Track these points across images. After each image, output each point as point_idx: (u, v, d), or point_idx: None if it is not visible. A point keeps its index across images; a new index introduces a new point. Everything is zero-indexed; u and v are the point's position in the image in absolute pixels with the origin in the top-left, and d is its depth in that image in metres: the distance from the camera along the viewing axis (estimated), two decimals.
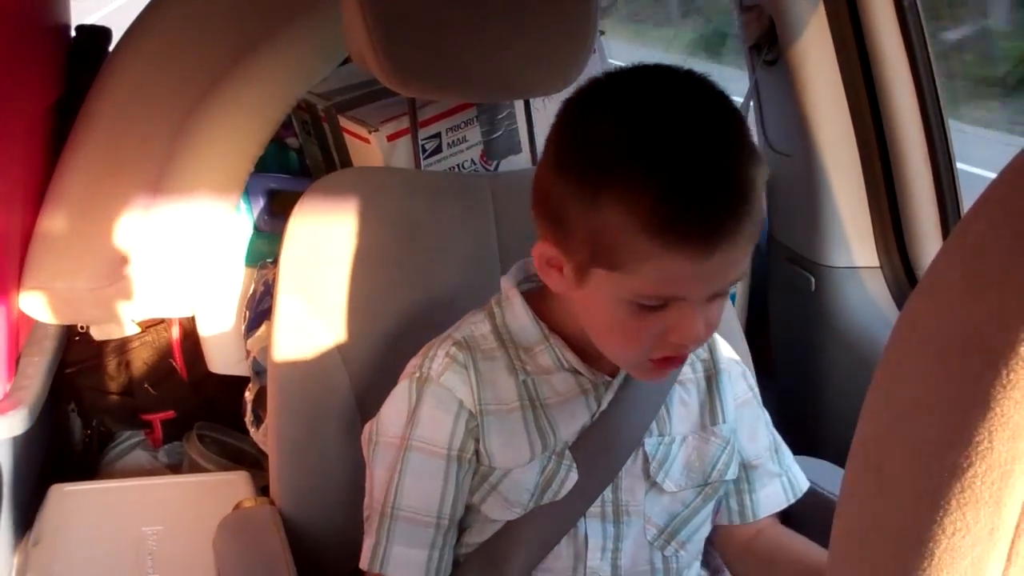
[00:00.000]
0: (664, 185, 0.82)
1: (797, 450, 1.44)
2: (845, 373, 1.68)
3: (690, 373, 1.07)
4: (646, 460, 1.01)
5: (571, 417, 0.99)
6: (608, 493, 1.00)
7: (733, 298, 1.83)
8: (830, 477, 1.29)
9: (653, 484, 1.02)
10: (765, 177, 0.88)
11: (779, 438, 1.15)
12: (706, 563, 1.13)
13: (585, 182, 0.86)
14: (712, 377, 1.07)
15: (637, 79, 0.90)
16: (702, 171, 0.83)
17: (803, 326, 1.75)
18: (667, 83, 0.88)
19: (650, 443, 1.01)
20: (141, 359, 1.91)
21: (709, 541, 1.13)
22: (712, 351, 1.08)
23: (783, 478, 1.12)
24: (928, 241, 1.61)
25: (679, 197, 0.83)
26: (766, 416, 1.13)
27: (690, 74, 0.89)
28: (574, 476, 0.98)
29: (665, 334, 0.89)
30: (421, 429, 0.98)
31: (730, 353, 1.11)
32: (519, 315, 1.00)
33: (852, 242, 1.67)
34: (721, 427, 1.05)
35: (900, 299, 1.64)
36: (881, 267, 1.67)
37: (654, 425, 1.02)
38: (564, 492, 0.98)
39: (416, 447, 0.98)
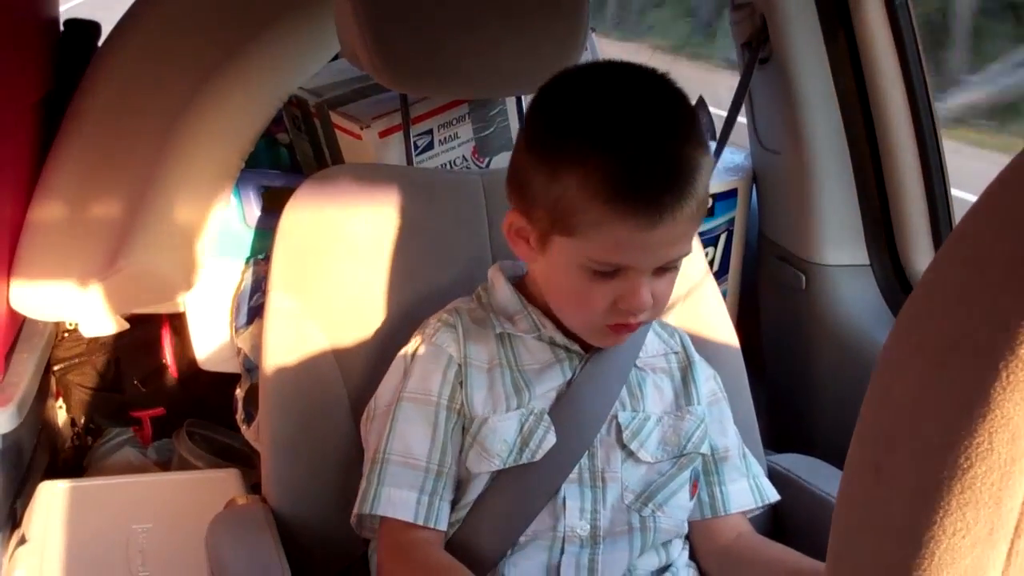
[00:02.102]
0: (615, 160, 0.95)
1: (787, 447, 1.45)
2: (835, 370, 1.69)
3: (664, 363, 1.15)
4: (619, 430, 1.08)
5: (547, 381, 1.07)
6: (585, 460, 1.06)
7: (724, 294, 1.83)
8: (821, 474, 1.29)
9: (630, 454, 1.08)
10: (711, 167, 1.01)
11: (747, 450, 1.19)
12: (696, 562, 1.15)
13: (548, 157, 0.98)
14: (686, 368, 1.16)
15: (602, 71, 1.05)
16: (650, 151, 0.96)
17: (793, 323, 1.76)
18: (627, 76, 1.02)
19: (623, 415, 1.09)
20: (130, 356, 1.91)
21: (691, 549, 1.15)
22: (685, 347, 1.18)
23: (751, 481, 1.16)
24: (918, 239, 1.62)
25: (628, 171, 0.95)
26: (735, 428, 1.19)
27: (651, 71, 1.01)
28: (552, 438, 1.04)
29: (616, 302, 0.99)
30: (413, 381, 1.06)
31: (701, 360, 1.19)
32: (501, 289, 1.11)
33: (842, 240, 1.67)
34: (695, 407, 1.13)
35: (890, 297, 1.65)
36: (871, 265, 1.67)
37: (627, 400, 1.10)
38: (542, 453, 1.04)
39: (408, 397, 1.06)
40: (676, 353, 1.17)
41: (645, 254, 0.98)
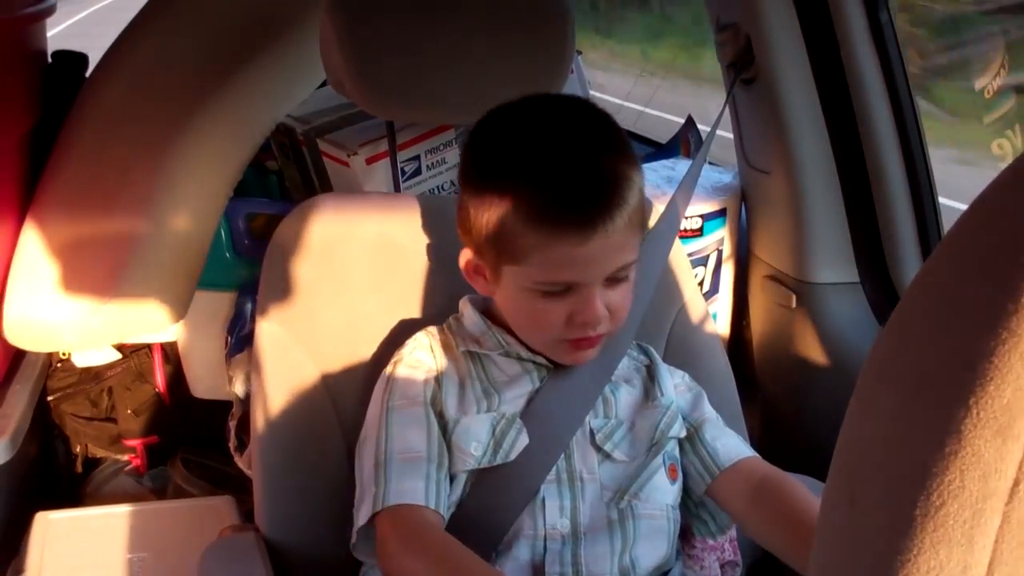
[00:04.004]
0: (537, 182, 0.99)
1: (780, 466, 1.44)
2: (827, 389, 1.69)
3: (634, 372, 1.19)
4: (592, 433, 1.11)
5: (515, 388, 1.11)
6: (562, 462, 1.09)
7: (715, 315, 1.84)
8: (814, 492, 1.29)
9: (606, 456, 1.11)
10: (641, 177, 1.04)
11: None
12: (688, 555, 1.17)
13: (481, 190, 1.03)
14: (652, 369, 1.20)
15: (522, 104, 1.07)
16: (572, 168, 1.00)
17: (785, 342, 1.76)
18: (547, 104, 1.08)
19: (596, 421, 1.12)
20: (123, 385, 1.91)
21: (689, 542, 1.16)
22: (651, 357, 1.21)
23: (737, 439, 1.17)
24: (908, 256, 1.62)
25: (553, 192, 0.99)
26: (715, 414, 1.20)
27: (572, 98, 1.08)
28: (524, 439, 1.07)
29: (571, 317, 1.03)
30: (397, 391, 1.10)
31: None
32: (469, 315, 1.15)
33: (832, 258, 1.67)
34: (660, 399, 1.16)
35: (880, 315, 1.65)
36: (862, 283, 1.67)
37: (600, 408, 1.13)
38: (515, 453, 1.07)
39: (396, 407, 1.09)
40: (644, 364, 1.21)
41: (588, 268, 1.01)
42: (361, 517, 1.05)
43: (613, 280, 1.04)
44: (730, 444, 1.16)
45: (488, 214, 1.02)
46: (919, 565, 0.37)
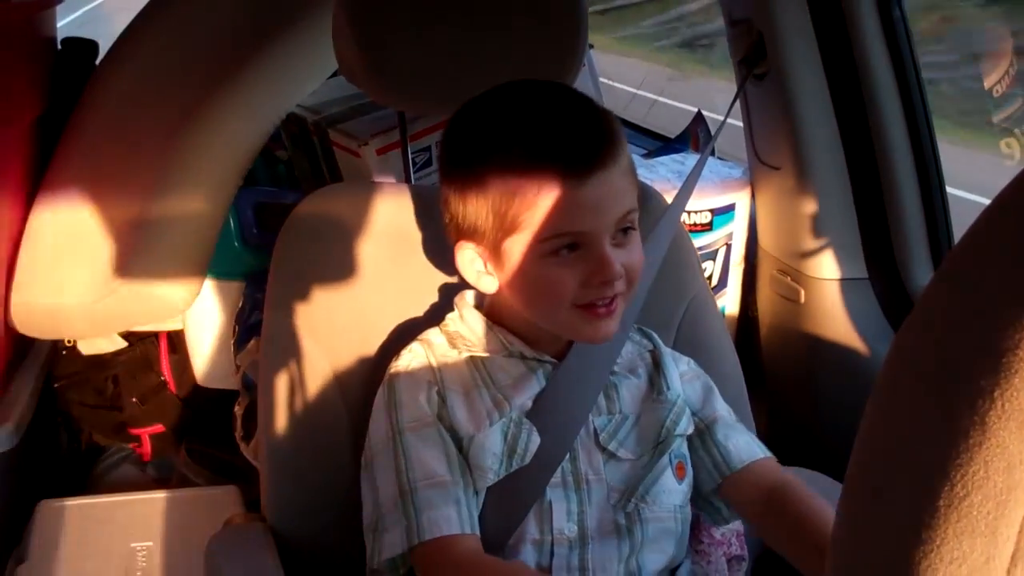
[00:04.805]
0: (524, 136, 0.99)
1: (788, 460, 1.44)
2: (835, 384, 1.68)
3: (638, 360, 1.16)
4: (596, 433, 1.09)
5: (524, 391, 1.08)
6: (567, 464, 1.07)
7: (723, 309, 1.83)
8: (822, 487, 1.28)
9: (611, 456, 1.09)
10: (622, 131, 1.02)
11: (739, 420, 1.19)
12: (695, 551, 1.16)
13: (470, 172, 1.01)
14: (657, 358, 1.16)
15: (496, 91, 1.06)
16: (560, 114, 1.00)
17: (793, 337, 1.76)
18: (525, 84, 1.06)
19: (599, 420, 1.10)
20: (129, 373, 1.91)
21: (697, 537, 1.15)
22: (655, 344, 1.18)
23: (750, 437, 1.15)
24: (916, 253, 1.62)
25: (540, 137, 0.98)
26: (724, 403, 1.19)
27: (550, 82, 1.07)
28: (536, 438, 1.05)
29: (587, 279, 0.99)
30: (405, 412, 1.06)
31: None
32: (467, 314, 1.12)
33: (841, 254, 1.67)
34: (666, 394, 1.13)
35: (889, 311, 1.65)
36: (870, 279, 1.67)
37: (604, 404, 1.11)
38: (530, 455, 1.05)
39: (407, 428, 1.05)
40: (649, 351, 1.17)
41: (592, 215, 0.98)
42: (387, 548, 1.02)
43: (620, 235, 1.00)
44: (742, 444, 1.13)
45: (480, 191, 1.00)
46: (942, 555, 0.37)
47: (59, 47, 1.86)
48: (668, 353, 1.18)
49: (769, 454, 1.15)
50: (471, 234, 1.03)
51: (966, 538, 0.37)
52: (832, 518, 1.03)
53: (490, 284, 1.06)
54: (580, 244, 0.99)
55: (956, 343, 0.39)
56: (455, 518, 1.01)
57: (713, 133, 1.65)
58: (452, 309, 1.18)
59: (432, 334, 1.14)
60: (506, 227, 1.00)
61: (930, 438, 0.39)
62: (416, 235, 1.27)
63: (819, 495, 1.08)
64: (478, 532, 1.02)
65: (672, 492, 1.10)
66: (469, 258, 1.05)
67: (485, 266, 1.05)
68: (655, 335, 1.20)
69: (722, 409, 1.16)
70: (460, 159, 1.04)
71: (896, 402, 0.42)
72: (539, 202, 0.97)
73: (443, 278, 1.27)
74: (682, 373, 1.17)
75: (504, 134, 1.00)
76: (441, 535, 1.00)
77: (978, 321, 0.38)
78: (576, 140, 0.98)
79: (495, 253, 1.03)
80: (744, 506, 1.12)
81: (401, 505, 1.02)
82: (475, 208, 1.01)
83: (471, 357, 1.10)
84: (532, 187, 0.97)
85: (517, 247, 1.00)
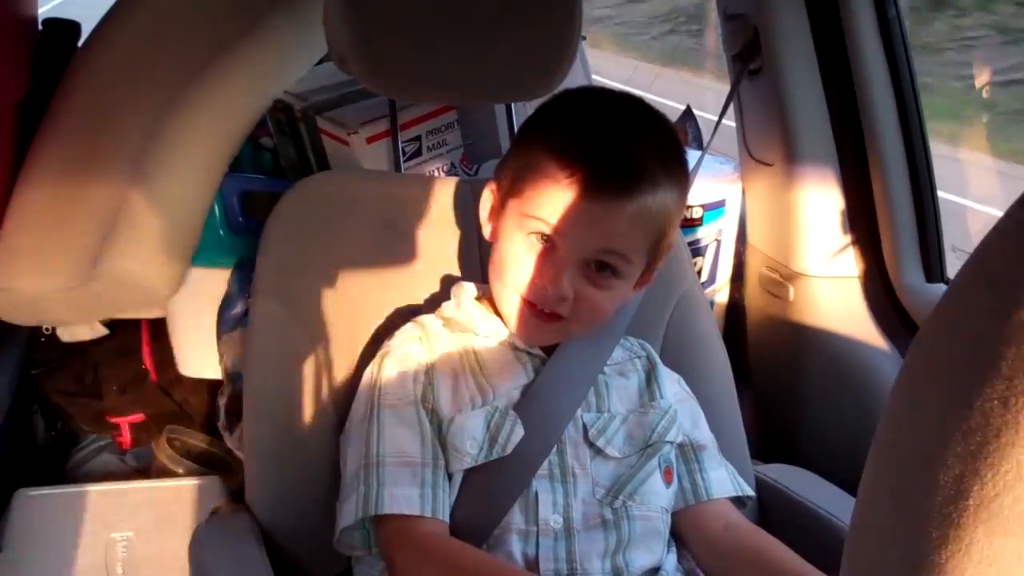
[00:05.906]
0: (587, 132, 1.03)
1: (774, 457, 1.44)
2: (821, 381, 1.68)
3: (631, 366, 1.20)
4: (585, 428, 1.11)
5: (509, 380, 1.10)
6: (554, 457, 1.09)
7: (712, 304, 1.83)
8: (808, 484, 1.29)
9: (598, 452, 1.11)
10: (674, 200, 1.05)
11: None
12: (680, 564, 1.15)
13: (534, 138, 1.06)
14: (651, 369, 1.20)
15: (587, 91, 1.13)
16: (626, 136, 1.03)
17: (780, 334, 1.76)
18: (609, 94, 1.10)
19: (588, 416, 1.12)
20: (109, 361, 1.88)
21: (683, 544, 1.15)
22: (649, 355, 1.22)
23: (728, 472, 1.19)
24: (905, 252, 1.62)
25: (593, 140, 1.02)
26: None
27: (628, 95, 1.09)
28: (520, 431, 1.07)
29: (534, 277, 1.04)
30: (387, 389, 1.09)
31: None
32: (463, 302, 1.15)
33: (829, 251, 1.67)
34: (659, 401, 1.16)
35: (876, 309, 1.65)
36: (859, 277, 1.67)
37: (593, 401, 1.14)
38: (511, 446, 1.06)
39: (387, 404, 1.08)
40: (640, 358, 1.21)
41: (578, 225, 1.01)
42: (345, 517, 1.04)
43: (593, 271, 1.04)
44: (720, 478, 1.17)
45: (525, 148, 1.06)
46: (971, 555, 0.37)
47: (40, 27, 1.83)
48: (663, 367, 1.21)
49: (740, 491, 1.18)
50: (499, 177, 1.11)
51: (997, 537, 0.36)
52: (788, 557, 1.06)
53: (487, 231, 1.13)
54: (554, 244, 1.03)
55: (988, 341, 0.38)
56: (416, 499, 1.02)
57: (704, 130, 1.64)
58: (440, 297, 1.18)
59: (427, 318, 1.17)
60: (516, 188, 1.06)
61: (958, 436, 0.38)
62: (405, 224, 1.26)
63: (777, 541, 1.11)
64: (445, 518, 1.04)
65: (660, 494, 1.12)
66: (487, 196, 1.13)
67: (491, 212, 1.12)
68: (651, 348, 1.23)
69: (708, 439, 1.20)
70: (537, 117, 1.10)
71: (920, 401, 0.41)
72: (547, 185, 1.02)
73: (432, 269, 1.26)
74: (674, 393, 1.20)
75: (576, 121, 1.05)
76: (401, 512, 1.01)
77: (1006, 318, 0.37)
78: (614, 165, 1.01)
79: (501, 205, 1.09)
80: (695, 535, 1.15)
81: (363, 476, 1.04)
82: (513, 158, 1.09)
83: (463, 343, 1.12)
84: (552, 170, 1.02)
85: (511, 212, 1.06)
